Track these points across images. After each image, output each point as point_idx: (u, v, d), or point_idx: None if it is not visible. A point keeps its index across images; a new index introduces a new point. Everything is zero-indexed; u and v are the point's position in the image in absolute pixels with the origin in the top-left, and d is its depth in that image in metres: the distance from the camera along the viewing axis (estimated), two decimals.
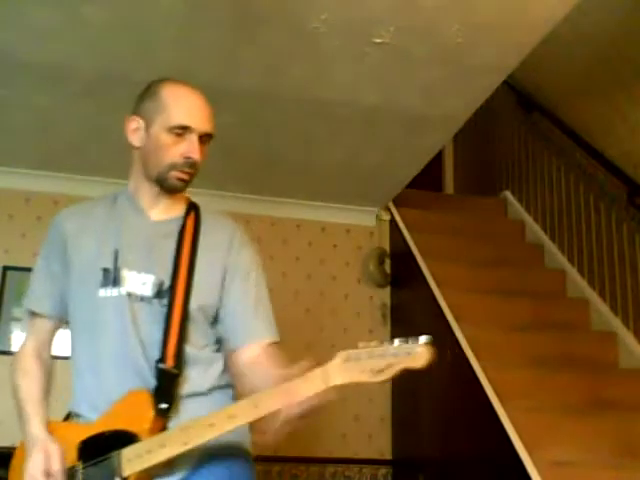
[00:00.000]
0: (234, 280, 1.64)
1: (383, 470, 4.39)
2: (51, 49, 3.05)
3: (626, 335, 3.85)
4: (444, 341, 3.73)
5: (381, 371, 1.25)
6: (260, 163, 4.13)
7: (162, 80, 1.68)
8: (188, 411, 1.53)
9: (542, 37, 2.94)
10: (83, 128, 3.76)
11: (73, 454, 1.53)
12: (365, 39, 2.92)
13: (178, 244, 1.63)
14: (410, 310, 4.52)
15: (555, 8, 2.75)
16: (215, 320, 1.66)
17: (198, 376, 1.59)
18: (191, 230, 1.66)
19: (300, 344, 4.08)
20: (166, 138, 1.60)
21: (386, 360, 1.25)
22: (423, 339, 1.25)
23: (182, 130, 1.59)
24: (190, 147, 1.59)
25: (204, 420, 1.40)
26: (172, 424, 1.50)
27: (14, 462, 1.65)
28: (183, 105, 1.61)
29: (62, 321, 1.73)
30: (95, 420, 1.55)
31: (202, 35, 2.93)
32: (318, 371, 1.31)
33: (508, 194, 5.29)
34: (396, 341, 1.26)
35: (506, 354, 3.61)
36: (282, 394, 1.33)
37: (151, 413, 1.49)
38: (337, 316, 4.59)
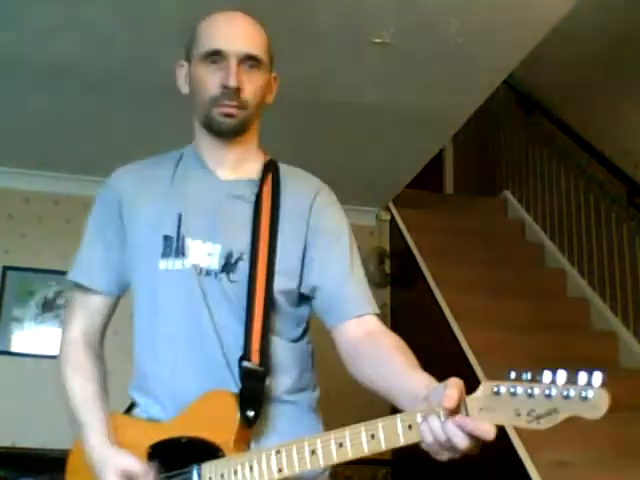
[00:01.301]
0: (321, 246, 1.39)
1: (383, 470, 4.39)
2: (51, 48, 3.05)
3: (626, 335, 3.84)
4: (444, 341, 3.73)
5: (541, 417, 0.98)
6: None
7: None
8: (274, 420, 1.31)
9: (542, 37, 2.94)
10: (83, 128, 3.76)
11: (142, 458, 1.29)
12: (365, 39, 2.92)
13: (255, 212, 1.36)
14: (410, 310, 4.52)
15: (555, 8, 2.75)
16: (301, 300, 1.40)
17: (284, 375, 1.35)
18: (269, 194, 1.39)
19: None
20: (202, 71, 1.37)
21: (551, 402, 0.98)
22: (598, 379, 0.96)
23: (215, 57, 1.35)
24: (225, 73, 1.34)
25: (305, 444, 1.14)
26: (257, 435, 1.29)
27: (70, 469, 1.43)
28: (214, 30, 1.39)
29: (117, 299, 1.48)
30: (166, 420, 1.33)
31: None
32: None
33: (508, 194, 5.29)
34: (561, 376, 0.97)
35: (506, 354, 3.60)
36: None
37: (236, 421, 1.25)
38: None
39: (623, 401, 3.46)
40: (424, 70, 3.14)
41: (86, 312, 1.46)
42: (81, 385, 1.40)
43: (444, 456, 1.09)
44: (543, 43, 3.02)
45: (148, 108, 3.42)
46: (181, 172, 1.44)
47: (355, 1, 2.71)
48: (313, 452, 1.13)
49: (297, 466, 1.15)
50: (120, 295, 1.49)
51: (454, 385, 1.04)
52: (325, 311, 1.39)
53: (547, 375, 0.98)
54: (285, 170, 1.48)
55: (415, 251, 4.39)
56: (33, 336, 4.10)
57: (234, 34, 1.38)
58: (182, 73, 1.45)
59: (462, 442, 1.03)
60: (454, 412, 1.02)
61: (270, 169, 1.45)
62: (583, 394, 0.97)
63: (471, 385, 1.20)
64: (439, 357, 3.94)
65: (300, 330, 1.43)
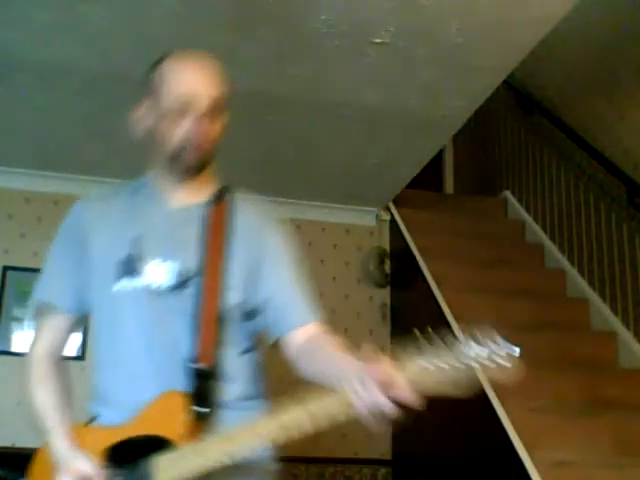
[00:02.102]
0: (269, 264, 1.50)
1: (383, 470, 4.38)
2: (51, 49, 3.05)
3: (626, 335, 3.84)
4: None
5: (463, 381, 1.12)
6: (260, 163, 4.13)
7: (163, 56, 1.52)
8: (229, 420, 1.38)
9: (542, 37, 2.93)
10: (83, 128, 3.76)
11: (99, 461, 1.39)
12: (365, 39, 2.92)
13: (204, 230, 1.47)
14: (410, 310, 4.52)
15: (555, 8, 2.75)
16: (250, 314, 1.50)
17: (235, 384, 1.45)
18: (219, 216, 1.49)
19: None
20: (166, 121, 1.45)
21: (467, 361, 1.12)
22: (512, 350, 1.12)
23: (181, 108, 1.43)
24: (192, 127, 1.43)
25: (250, 427, 1.27)
26: (211, 431, 1.36)
27: (35, 469, 1.51)
28: (178, 81, 1.45)
29: (80, 319, 1.58)
30: (123, 424, 1.40)
31: (202, 35, 2.93)
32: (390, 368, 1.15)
33: (508, 194, 5.29)
34: (478, 339, 1.12)
35: None
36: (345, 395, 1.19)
37: (186, 417, 1.35)
38: (337, 316, 4.59)
39: (623, 401, 3.47)
40: (424, 70, 3.13)
41: (50, 330, 1.56)
42: (45, 395, 1.50)
43: (378, 424, 1.20)
44: (543, 43, 3.01)
45: None
46: (137, 201, 1.54)
47: (355, 1, 2.71)
48: (259, 433, 1.25)
49: (246, 447, 1.26)
50: (83, 316, 1.58)
51: (383, 360, 1.16)
52: (273, 323, 1.50)
53: (468, 339, 1.12)
54: (239, 196, 1.57)
55: (415, 251, 4.39)
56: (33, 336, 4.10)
57: (200, 84, 1.45)
58: (139, 113, 1.53)
59: (391, 408, 1.15)
60: (384, 383, 1.14)
61: (222, 194, 1.55)
62: (498, 356, 1.11)
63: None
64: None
65: (250, 342, 1.52)
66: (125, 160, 4.38)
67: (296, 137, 3.83)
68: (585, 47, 4.42)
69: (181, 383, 1.38)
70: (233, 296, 1.45)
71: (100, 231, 1.51)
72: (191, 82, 1.45)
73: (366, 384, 1.16)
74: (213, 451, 1.27)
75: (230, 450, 1.26)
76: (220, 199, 1.53)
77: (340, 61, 3.09)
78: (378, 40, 2.93)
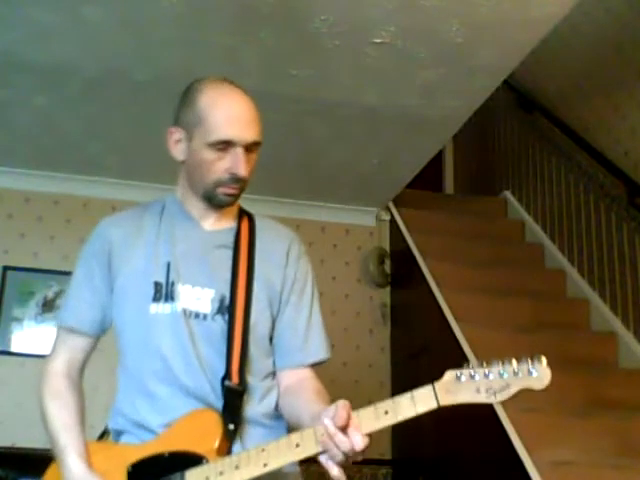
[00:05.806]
0: (291, 294, 1.55)
1: (383, 470, 4.38)
2: (51, 49, 3.05)
3: (626, 335, 3.84)
4: (444, 341, 3.73)
5: (497, 392, 1.22)
6: (260, 163, 4.12)
7: (200, 83, 1.51)
8: (251, 436, 1.42)
9: (542, 37, 2.94)
10: (83, 128, 3.76)
11: (121, 478, 1.38)
12: (365, 39, 2.92)
13: (234, 254, 1.51)
14: (410, 310, 4.53)
15: (555, 8, 2.75)
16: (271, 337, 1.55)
17: (259, 402, 1.47)
18: (246, 239, 1.54)
19: None
20: (208, 154, 1.45)
21: (504, 380, 1.22)
22: (542, 359, 1.25)
23: (224, 144, 1.44)
24: (235, 162, 1.45)
25: (286, 440, 1.28)
26: (235, 448, 1.38)
27: None
28: (222, 116, 1.45)
29: (99, 338, 1.61)
30: (150, 440, 1.42)
31: (202, 35, 2.93)
32: (425, 390, 1.24)
33: (508, 194, 5.29)
34: (512, 361, 1.25)
35: (506, 354, 3.60)
36: (381, 415, 1.29)
37: (220, 433, 1.36)
38: (337, 316, 4.59)
39: (623, 401, 3.46)
40: (424, 70, 3.13)
41: (70, 349, 1.57)
42: (60, 411, 1.49)
43: (337, 460, 1.30)
44: (543, 43, 3.02)
45: (148, 108, 3.42)
46: (167, 222, 1.55)
47: (355, 1, 2.71)
48: (297, 445, 1.27)
49: (278, 459, 1.27)
50: (101, 335, 1.60)
51: (343, 407, 1.24)
52: (275, 353, 1.54)
53: (500, 363, 1.24)
54: (258, 217, 1.63)
55: (415, 251, 4.39)
56: (33, 336, 4.10)
57: (243, 124, 1.47)
58: (175, 138, 1.51)
59: (347, 447, 1.28)
60: (344, 427, 1.25)
61: (243, 217, 1.60)
62: (530, 370, 1.23)
63: None
64: (439, 357, 3.95)
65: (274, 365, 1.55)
66: (125, 160, 4.40)
67: (296, 137, 3.83)
68: (585, 47, 4.42)
69: (212, 401, 1.41)
70: (259, 316, 1.49)
71: (131, 253, 1.51)
72: (234, 123, 1.46)
73: (329, 427, 1.24)
74: (250, 463, 1.28)
75: (267, 461, 1.28)
76: (244, 224, 1.58)
77: (340, 61, 3.09)
78: (378, 40, 2.93)
